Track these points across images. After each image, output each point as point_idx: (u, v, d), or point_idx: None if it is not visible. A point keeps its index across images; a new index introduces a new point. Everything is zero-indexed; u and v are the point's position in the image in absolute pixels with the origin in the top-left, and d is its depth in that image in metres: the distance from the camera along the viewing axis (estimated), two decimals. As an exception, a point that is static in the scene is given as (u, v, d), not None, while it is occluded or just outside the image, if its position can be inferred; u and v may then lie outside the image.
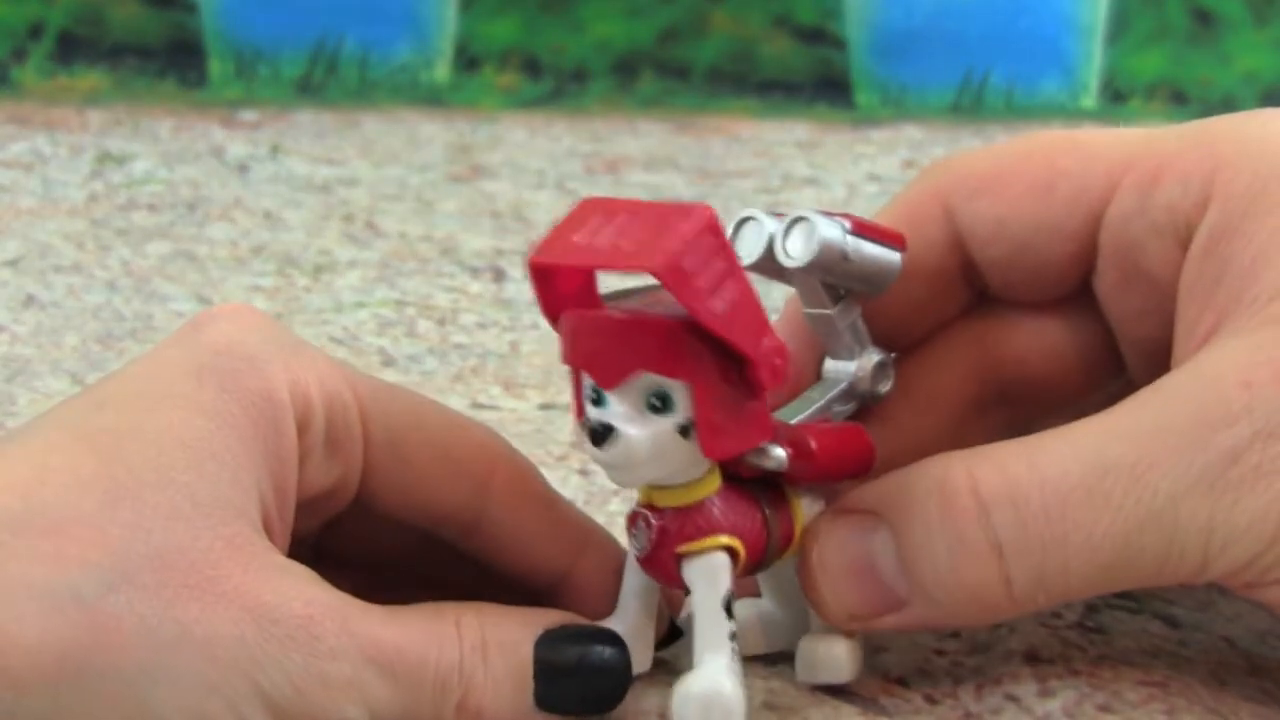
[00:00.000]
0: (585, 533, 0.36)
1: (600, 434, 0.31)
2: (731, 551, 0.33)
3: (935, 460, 0.32)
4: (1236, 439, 0.29)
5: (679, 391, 0.31)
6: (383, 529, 0.35)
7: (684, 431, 0.31)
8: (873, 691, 0.36)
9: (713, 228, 0.30)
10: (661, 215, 0.30)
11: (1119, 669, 0.37)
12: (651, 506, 0.33)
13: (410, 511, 0.35)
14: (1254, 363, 0.29)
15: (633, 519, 0.33)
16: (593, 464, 0.35)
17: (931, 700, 0.36)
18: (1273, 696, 0.36)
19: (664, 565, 0.33)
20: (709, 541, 0.32)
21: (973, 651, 0.38)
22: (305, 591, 0.31)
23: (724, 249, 0.30)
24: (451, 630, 0.32)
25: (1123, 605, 0.40)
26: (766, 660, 0.37)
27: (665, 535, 0.32)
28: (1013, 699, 0.36)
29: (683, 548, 0.32)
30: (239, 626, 0.29)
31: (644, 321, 0.30)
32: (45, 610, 0.28)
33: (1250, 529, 0.30)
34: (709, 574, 0.32)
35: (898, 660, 0.38)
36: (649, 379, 0.31)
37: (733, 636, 0.32)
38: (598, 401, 0.31)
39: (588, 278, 0.32)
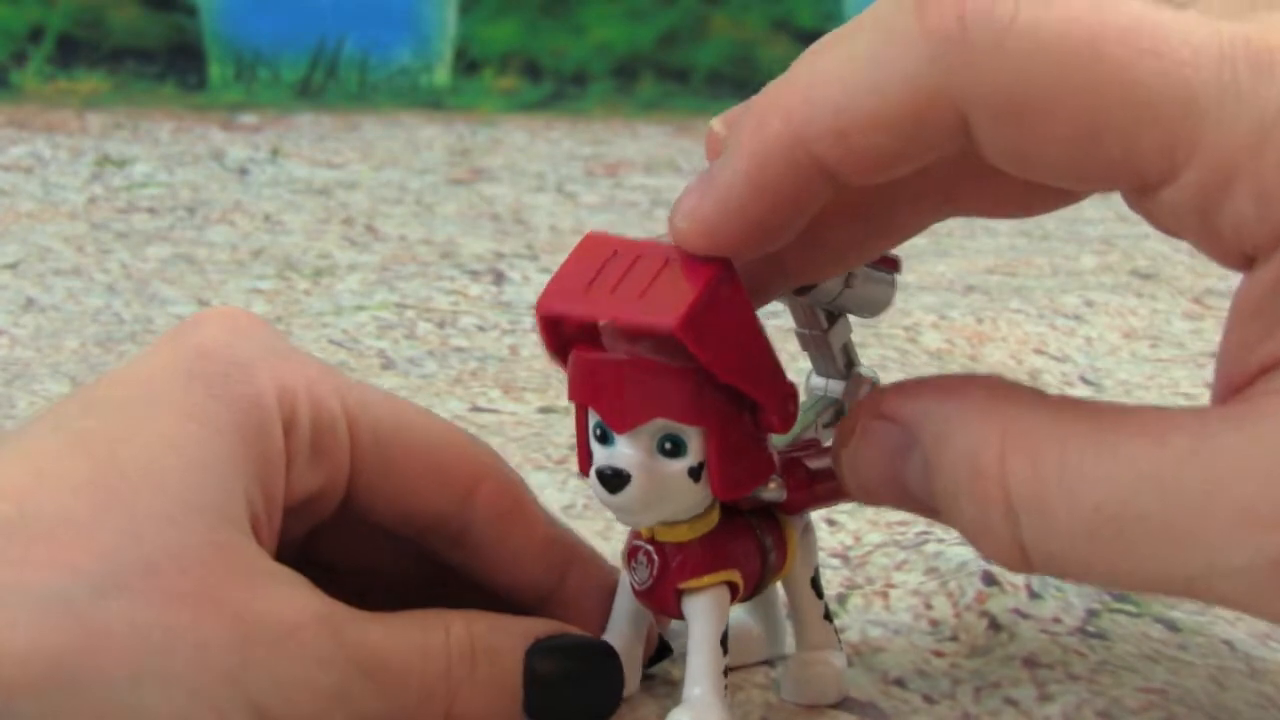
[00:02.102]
0: (572, 550, 0.36)
1: (614, 480, 0.30)
2: (732, 585, 0.33)
3: (971, 418, 0.29)
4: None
5: (692, 436, 0.30)
6: (369, 537, 0.35)
7: (694, 474, 0.31)
8: (870, 694, 0.36)
9: (726, 278, 0.29)
10: (674, 265, 0.30)
11: (1119, 675, 0.37)
12: (653, 541, 0.33)
13: (395, 519, 0.35)
14: None
15: (633, 553, 0.33)
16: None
17: (930, 701, 0.36)
18: (1273, 701, 0.36)
19: (665, 599, 0.33)
20: (711, 578, 0.32)
21: (972, 654, 0.38)
22: (294, 598, 0.31)
23: (737, 296, 0.30)
24: (440, 637, 0.32)
25: (1123, 609, 0.40)
26: (764, 672, 0.37)
27: (667, 571, 0.32)
28: (1011, 703, 0.36)
29: (686, 584, 0.32)
30: (227, 632, 0.29)
31: (662, 369, 0.30)
32: (36, 617, 0.28)
33: None
34: (709, 609, 0.32)
35: (896, 661, 0.38)
36: (662, 423, 0.31)
37: (725, 672, 0.32)
38: (604, 439, 0.31)
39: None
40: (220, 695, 0.29)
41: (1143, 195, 0.27)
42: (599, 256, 0.30)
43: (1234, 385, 0.27)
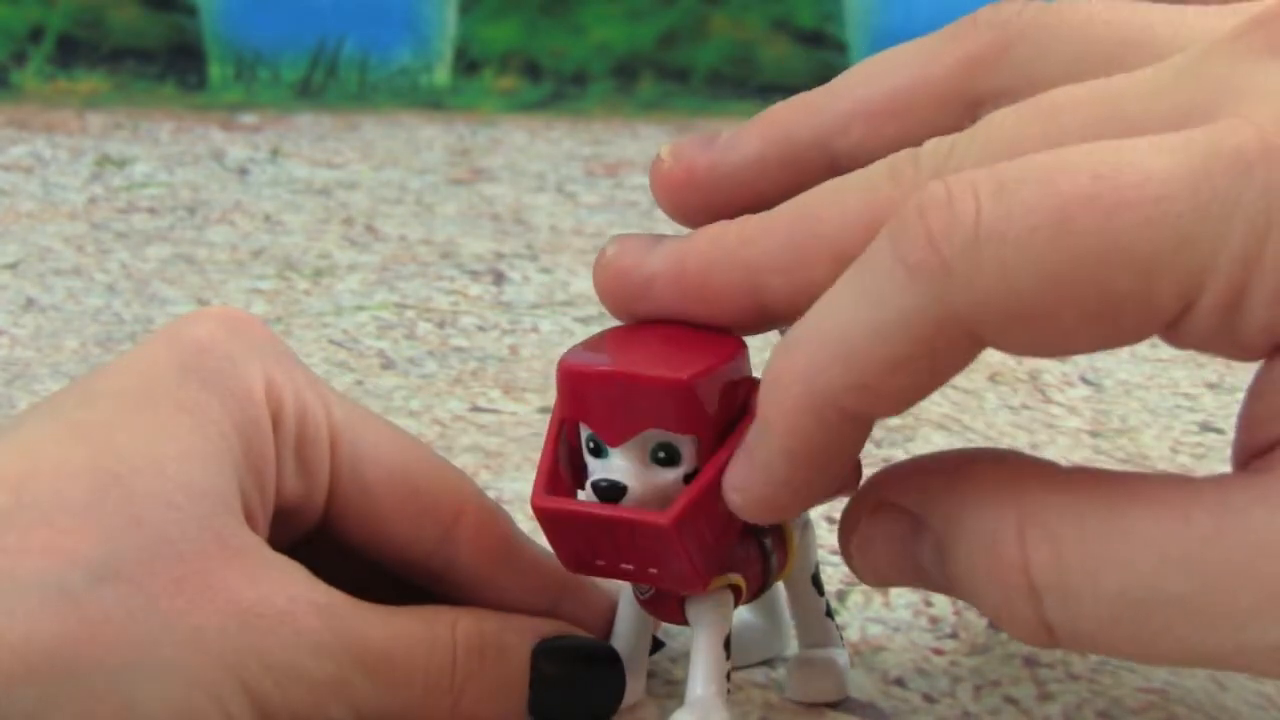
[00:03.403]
0: (560, 580, 0.35)
1: (610, 493, 0.31)
2: (735, 589, 0.33)
3: (983, 500, 0.28)
4: None
5: (685, 444, 0.31)
6: (347, 565, 0.34)
7: (689, 481, 0.31)
8: (870, 694, 0.36)
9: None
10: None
11: (1119, 675, 0.37)
12: None
13: (372, 547, 0.34)
14: None
15: None
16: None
17: (930, 700, 0.36)
18: (1273, 702, 0.36)
19: (668, 607, 0.33)
20: (715, 582, 0.32)
21: (971, 652, 0.38)
22: (291, 587, 0.31)
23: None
24: (446, 633, 0.32)
25: (1122, 608, 0.40)
26: (764, 672, 0.37)
27: None
28: (1011, 701, 0.36)
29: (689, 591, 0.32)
30: (223, 620, 0.29)
31: (653, 380, 0.30)
32: (33, 606, 0.28)
33: None
34: (713, 614, 0.32)
35: (895, 660, 0.38)
36: (655, 433, 0.31)
37: (728, 675, 0.32)
38: (597, 452, 0.31)
39: None
40: (217, 683, 0.29)
41: (1168, 331, 0.26)
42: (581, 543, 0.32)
43: (1254, 451, 0.27)
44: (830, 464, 0.29)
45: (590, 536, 0.31)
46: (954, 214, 0.25)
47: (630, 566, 0.31)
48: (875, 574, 0.31)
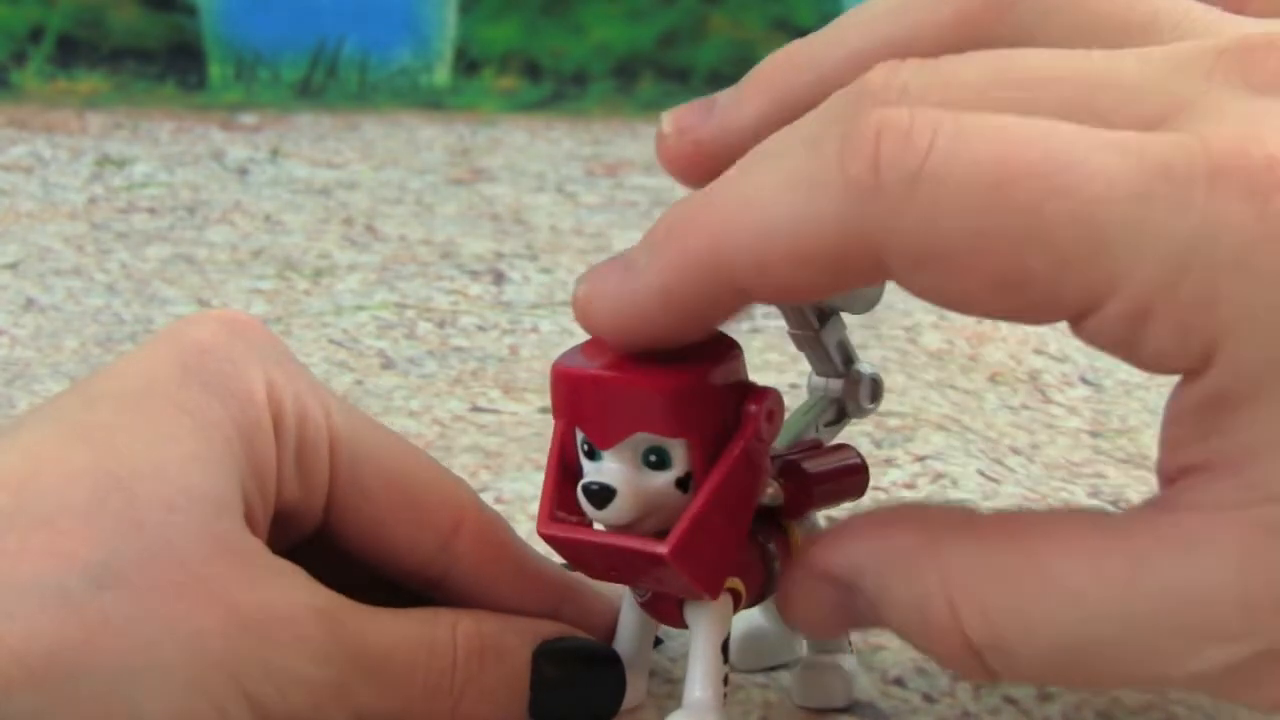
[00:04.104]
0: (563, 585, 0.35)
1: (600, 495, 0.31)
2: (734, 593, 0.33)
3: (907, 566, 0.29)
4: (1232, 656, 0.27)
5: (676, 447, 0.31)
6: (349, 568, 0.34)
7: (682, 485, 0.31)
8: (870, 694, 0.36)
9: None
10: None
11: (1118, 672, 0.37)
12: None
13: (372, 553, 0.34)
14: (1254, 584, 0.26)
15: None
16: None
17: (930, 700, 0.36)
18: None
19: (667, 610, 0.33)
20: None
21: (972, 654, 0.38)
22: (292, 591, 0.31)
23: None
24: (446, 635, 0.32)
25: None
26: (764, 674, 0.37)
27: None
28: (1011, 701, 0.36)
29: None
30: (223, 624, 0.29)
31: (643, 383, 0.30)
32: (33, 609, 0.28)
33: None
34: (711, 618, 0.32)
35: (895, 659, 0.38)
36: (645, 436, 0.31)
37: (725, 679, 0.32)
38: (591, 455, 0.31)
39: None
40: (216, 687, 0.29)
41: (1073, 325, 0.27)
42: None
43: (1166, 475, 0.28)
44: (690, 320, 0.29)
45: (598, 557, 0.31)
46: (907, 144, 0.26)
47: (642, 580, 0.32)
48: (818, 631, 0.33)
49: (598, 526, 0.31)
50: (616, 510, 0.31)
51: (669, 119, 0.33)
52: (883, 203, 0.26)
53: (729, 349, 0.31)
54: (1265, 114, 0.26)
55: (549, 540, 0.32)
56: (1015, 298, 0.26)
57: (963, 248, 0.26)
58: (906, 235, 0.26)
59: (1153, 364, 0.27)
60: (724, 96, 0.33)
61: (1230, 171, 0.25)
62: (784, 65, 0.32)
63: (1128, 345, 0.27)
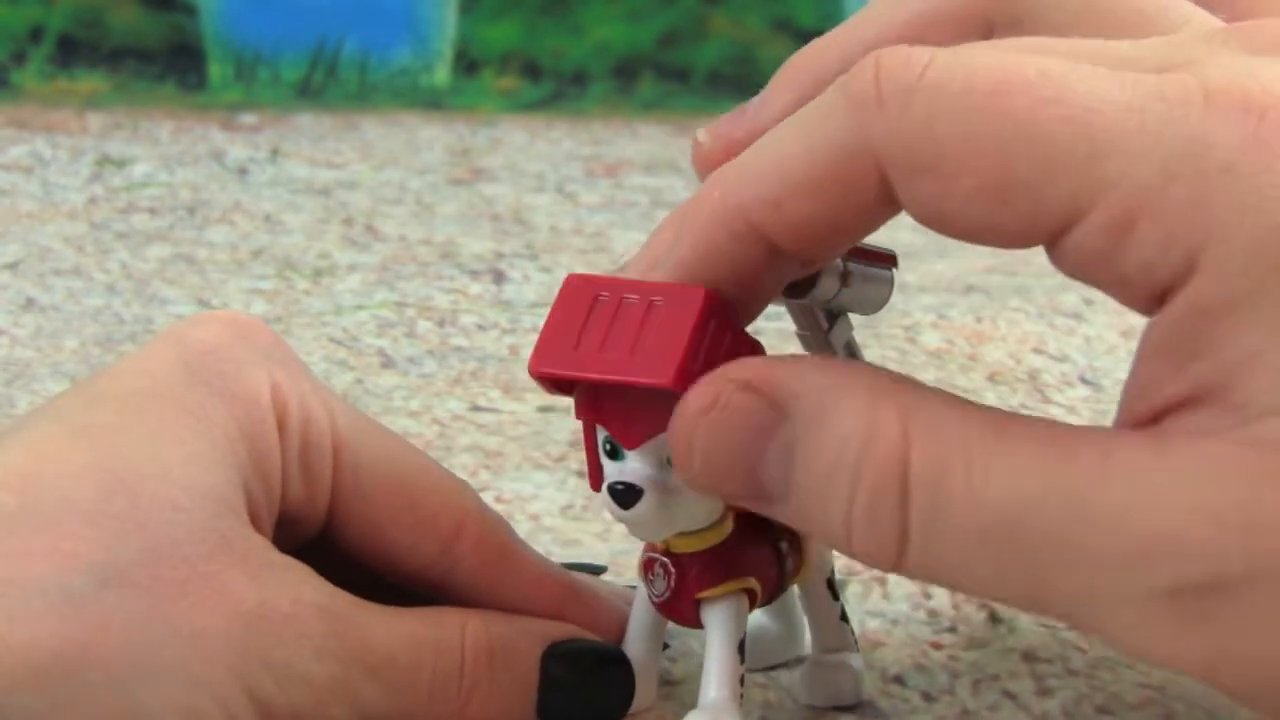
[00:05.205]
0: (568, 589, 0.35)
1: (625, 496, 0.30)
2: (750, 592, 0.33)
3: (863, 396, 0.27)
4: (1184, 576, 0.25)
5: None
6: (354, 571, 0.34)
7: None
8: (869, 693, 0.36)
9: (711, 310, 0.29)
10: (659, 307, 0.29)
11: (1118, 671, 0.37)
12: (668, 553, 0.33)
13: (374, 556, 0.34)
14: (1226, 502, 0.25)
15: (648, 565, 0.33)
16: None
17: (929, 699, 0.36)
18: (1271, 697, 0.36)
19: (683, 610, 0.33)
20: (730, 586, 0.32)
21: (970, 646, 0.38)
22: (295, 589, 0.31)
23: (726, 326, 0.30)
24: (455, 636, 0.32)
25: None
26: (763, 673, 0.37)
27: (685, 582, 0.32)
28: (1010, 696, 0.36)
29: (704, 594, 0.32)
30: (226, 623, 0.29)
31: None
32: (37, 609, 0.28)
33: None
34: (728, 617, 0.32)
35: (894, 657, 0.38)
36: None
37: (742, 680, 0.32)
38: (613, 455, 0.31)
39: None
40: (221, 686, 0.29)
41: (1054, 244, 0.27)
42: (583, 304, 0.30)
43: (1137, 421, 0.27)
44: (727, 283, 0.29)
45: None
46: (906, 62, 0.27)
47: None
48: (706, 465, 0.29)
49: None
50: (641, 510, 0.30)
51: (706, 131, 0.33)
52: (883, 113, 0.27)
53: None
54: (1265, 64, 0.26)
55: (540, 377, 0.30)
56: (1002, 207, 0.26)
57: (956, 153, 0.26)
58: (905, 142, 0.27)
59: (1136, 278, 0.26)
60: (754, 100, 0.33)
61: (1226, 93, 0.25)
62: (806, 61, 0.33)
63: (1107, 261, 0.26)
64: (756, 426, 0.28)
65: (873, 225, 0.29)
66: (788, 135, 0.28)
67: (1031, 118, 0.26)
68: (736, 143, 0.32)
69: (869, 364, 0.29)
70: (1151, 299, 0.26)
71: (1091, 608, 0.26)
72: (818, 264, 0.31)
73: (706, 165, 0.33)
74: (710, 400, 0.28)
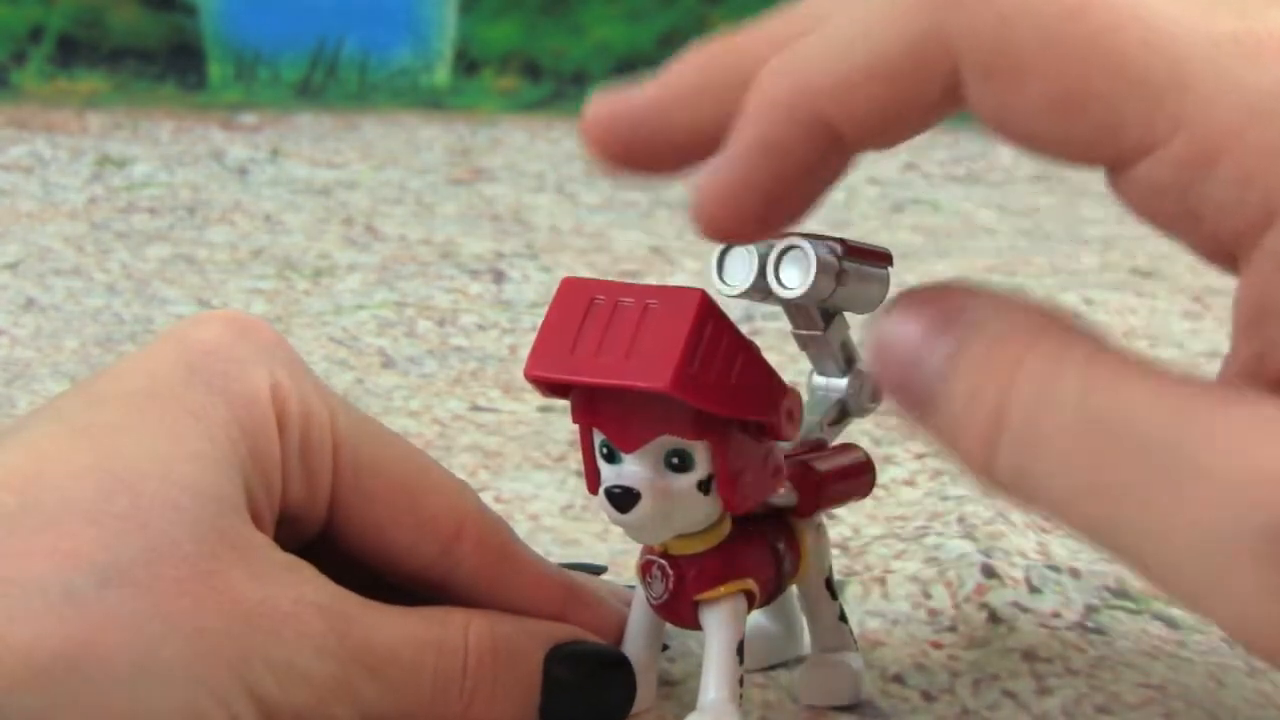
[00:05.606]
0: (568, 590, 0.35)
1: (623, 499, 0.30)
2: (748, 594, 0.33)
3: (1011, 311, 0.27)
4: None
5: (698, 449, 0.31)
6: (356, 571, 0.34)
7: (703, 486, 0.31)
8: (869, 692, 0.36)
9: (707, 312, 0.29)
10: (654, 310, 0.30)
11: (1118, 670, 0.37)
12: (667, 555, 0.33)
13: (374, 556, 0.34)
14: None
15: (647, 568, 0.33)
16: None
17: (929, 698, 0.36)
18: (1271, 700, 0.36)
19: (682, 612, 0.33)
20: (728, 588, 0.32)
21: (970, 646, 0.38)
22: (297, 587, 0.31)
23: (721, 329, 0.30)
24: (458, 636, 0.32)
25: (1122, 605, 0.40)
26: (762, 673, 0.37)
27: (683, 584, 0.33)
28: (1010, 695, 0.36)
29: (702, 595, 0.32)
30: (227, 621, 0.29)
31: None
32: (38, 609, 0.28)
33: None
34: (727, 619, 0.32)
35: (894, 656, 0.38)
36: (668, 439, 0.31)
37: (741, 680, 0.32)
38: (611, 458, 0.31)
39: None
40: (222, 684, 0.29)
41: (1121, 171, 0.26)
42: (578, 307, 0.30)
43: (1273, 378, 0.26)
44: (793, 176, 0.28)
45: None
46: None
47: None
48: (886, 361, 0.29)
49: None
50: (639, 514, 0.30)
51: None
52: (962, 6, 0.26)
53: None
54: None
55: (536, 381, 0.30)
56: (1070, 120, 0.26)
57: (1033, 57, 0.26)
58: (981, 39, 0.26)
59: (1206, 222, 0.26)
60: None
61: None
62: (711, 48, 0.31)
63: (1180, 196, 0.25)
64: (928, 324, 0.28)
65: (937, 119, 0.28)
66: (854, 22, 0.27)
67: (1113, 34, 0.25)
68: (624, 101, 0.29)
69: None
70: (1218, 247, 0.26)
71: (1160, 544, 0.24)
72: (878, 148, 0.30)
73: (593, 127, 0.29)
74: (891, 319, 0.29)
